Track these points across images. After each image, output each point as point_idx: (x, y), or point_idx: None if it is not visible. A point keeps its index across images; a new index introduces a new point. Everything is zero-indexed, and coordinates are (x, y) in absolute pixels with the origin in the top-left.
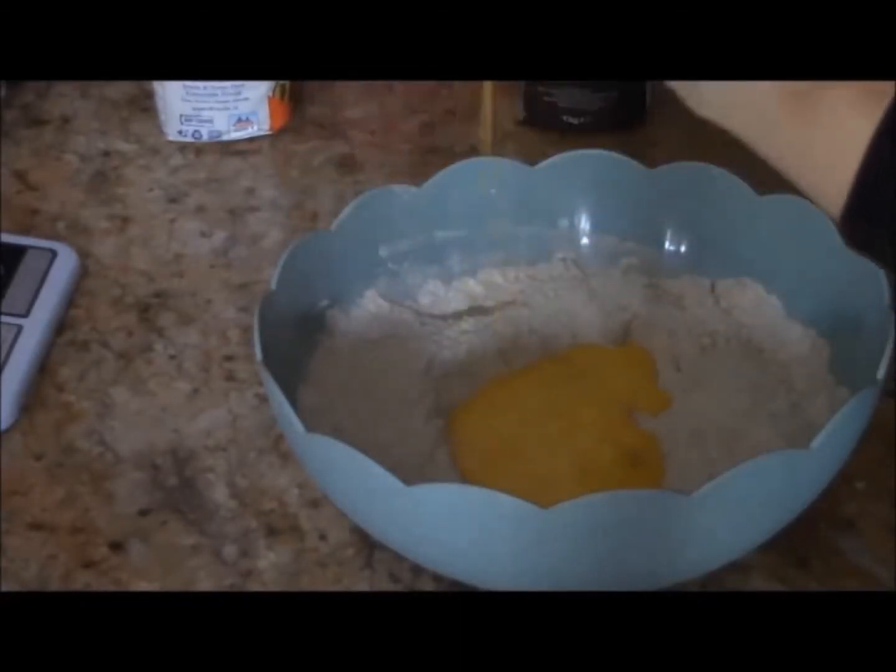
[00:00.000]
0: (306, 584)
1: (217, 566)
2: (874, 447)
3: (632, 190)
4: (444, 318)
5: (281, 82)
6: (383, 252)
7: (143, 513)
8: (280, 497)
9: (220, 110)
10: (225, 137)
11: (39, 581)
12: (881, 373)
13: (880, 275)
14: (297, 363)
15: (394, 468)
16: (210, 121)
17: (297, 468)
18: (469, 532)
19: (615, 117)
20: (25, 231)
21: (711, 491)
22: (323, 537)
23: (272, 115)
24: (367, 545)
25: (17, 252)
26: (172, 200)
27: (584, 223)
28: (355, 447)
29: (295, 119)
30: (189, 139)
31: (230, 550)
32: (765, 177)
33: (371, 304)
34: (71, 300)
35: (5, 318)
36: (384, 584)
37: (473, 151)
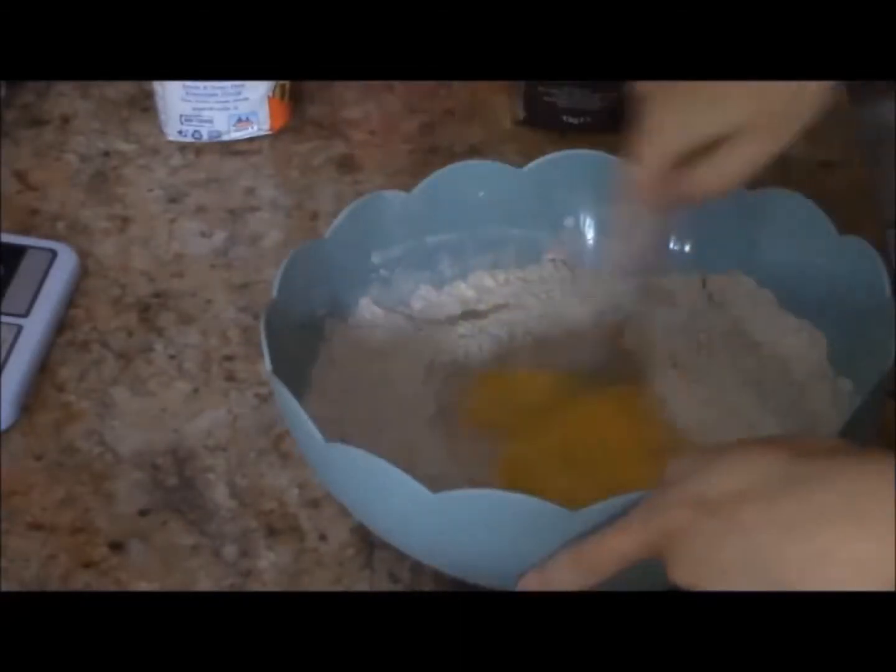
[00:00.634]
0: (306, 584)
1: (217, 566)
2: (874, 447)
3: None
4: (438, 323)
5: (281, 82)
6: (376, 259)
7: (143, 513)
8: (280, 497)
9: (220, 110)
10: (225, 137)
11: (39, 581)
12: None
13: (878, 262)
14: (300, 372)
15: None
16: (210, 121)
17: (297, 468)
18: (498, 537)
19: (615, 117)
20: (25, 231)
21: None
22: (323, 537)
23: (272, 115)
24: (367, 545)
25: (17, 252)
26: (172, 200)
27: (573, 224)
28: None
29: (295, 119)
30: (189, 139)
31: (230, 550)
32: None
33: (367, 311)
34: (71, 300)
35: (5, 318)
36: (384, 584)
37: (473, 151)
